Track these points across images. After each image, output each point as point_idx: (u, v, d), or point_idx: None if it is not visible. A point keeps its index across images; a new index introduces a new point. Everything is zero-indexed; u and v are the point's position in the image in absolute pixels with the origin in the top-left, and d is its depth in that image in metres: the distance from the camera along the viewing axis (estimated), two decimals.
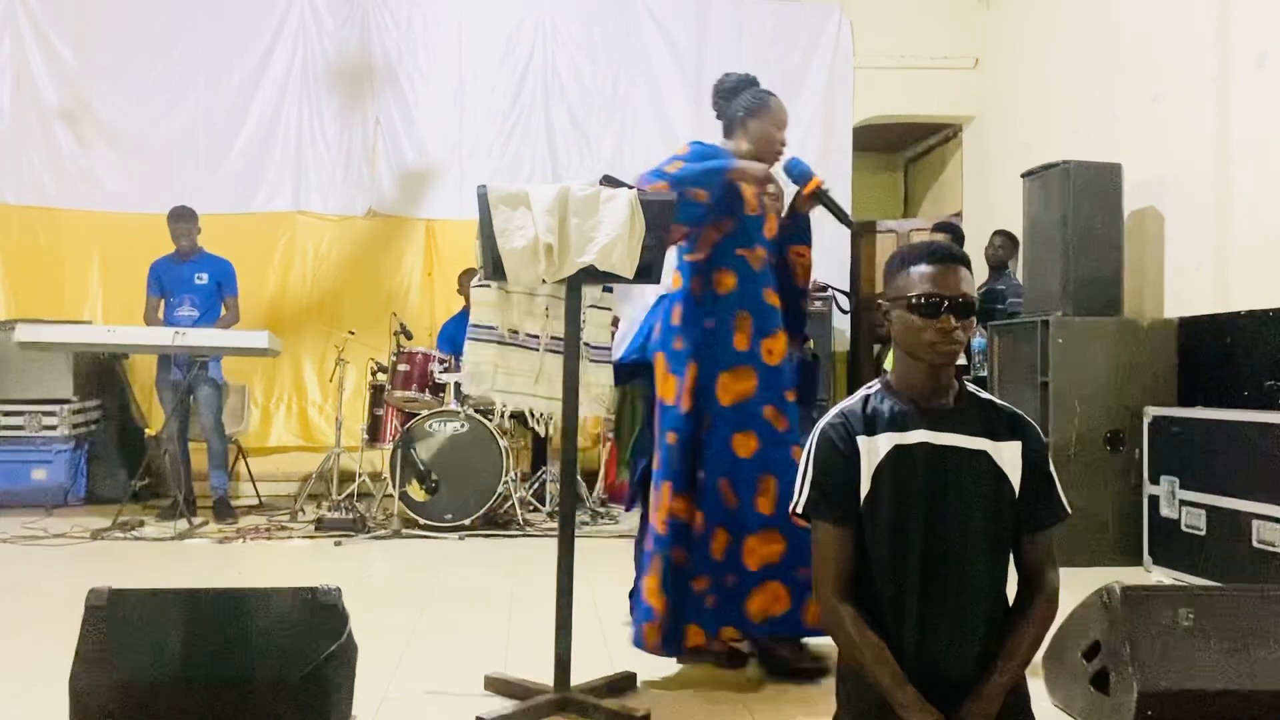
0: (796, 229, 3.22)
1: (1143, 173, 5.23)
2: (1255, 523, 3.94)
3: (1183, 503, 4.36)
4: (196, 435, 5.99)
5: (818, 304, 6.74)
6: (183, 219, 5.99)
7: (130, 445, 6.65)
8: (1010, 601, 2.03)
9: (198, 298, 6.01)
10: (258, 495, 6.48)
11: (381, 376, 5.94)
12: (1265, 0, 4.56)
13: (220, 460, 5.98)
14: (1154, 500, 4.56)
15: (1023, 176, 5.38)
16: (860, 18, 7.49)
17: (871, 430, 1.99)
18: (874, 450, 1.97)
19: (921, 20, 7.55)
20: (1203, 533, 4.23)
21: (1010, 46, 7.11)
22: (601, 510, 6.07)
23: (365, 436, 5.98)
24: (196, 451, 6.03)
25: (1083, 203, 5.03)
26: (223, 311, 6.08)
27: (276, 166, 7.12)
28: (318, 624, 2.32)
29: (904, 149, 9.05)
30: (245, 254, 6.59)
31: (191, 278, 6.03)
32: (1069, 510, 2.04)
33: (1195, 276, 5.00)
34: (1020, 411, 2.07)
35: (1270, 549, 3.85)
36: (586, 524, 5.72)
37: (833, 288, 6.95)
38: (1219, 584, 3.79)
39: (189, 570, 4.57)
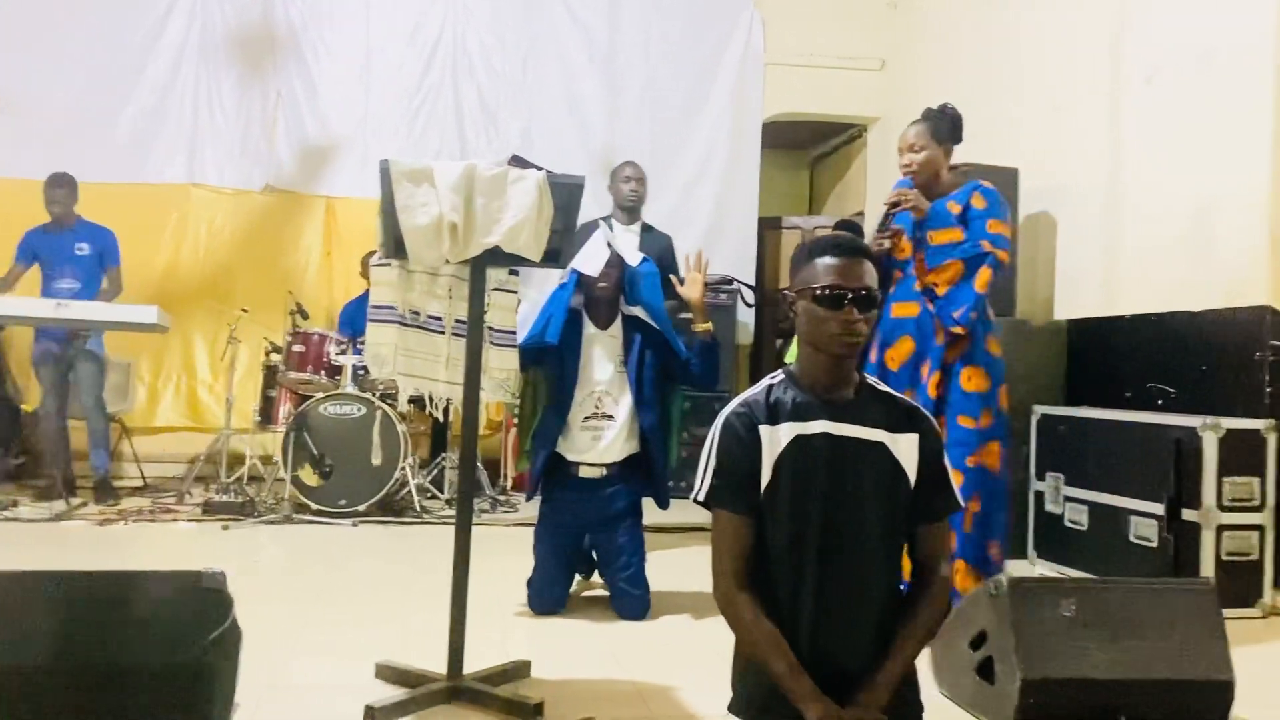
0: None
1: (1038, 179, 5.39)
2: (1132, 519, 4.10)
3: (1067, 499, 4.51)
4: (76, 413, 5.74)
5: (723, 297, 6.79)
6: (59, 185, 5.72)
7: (4, 422, 6.32)
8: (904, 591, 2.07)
9: (79, 269, 5.75)
10: (142, 476, 6.26)
11: (276, 357, 5.77)
12: (1155, 22, 4.74)
13: (101, 439, 5.74)
14: (1040, 496, 4.71)
15: None
16: (771, 14, 7.54)
17: (774, 420, 2.00)
18: (775, 440, 1.99)
19: (831, 20, 7.65)
20: (1084, 527, 4.38)
21: (916, 50, 7.25)
22: (502, 498, 6.01)
23: (257, 418, 5.80)
24: (76, 430, 5.77)
25: None
26: (104, 283, 5.83)
27: (170, 136, 6.84)
28: (200, 609, 2.22)
29: (811, 147, 9.16)
30: (135, 226, 6.33)
31: (71, 248, 5.76)
32: (961, 503, 2.09)
33: (1084, 281, 5.18)
34: (917, 405, 2.11)
35: (1146, 544, 4.02)
36: (486, 512, 5.66)
37: (738, 281, 7.02)
38: (1098, 577, 3.93)
39: (66, 553, 4.38)
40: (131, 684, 2.15)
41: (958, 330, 3.41)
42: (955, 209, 3.48)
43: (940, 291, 3.45)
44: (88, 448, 5.75)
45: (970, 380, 3.43)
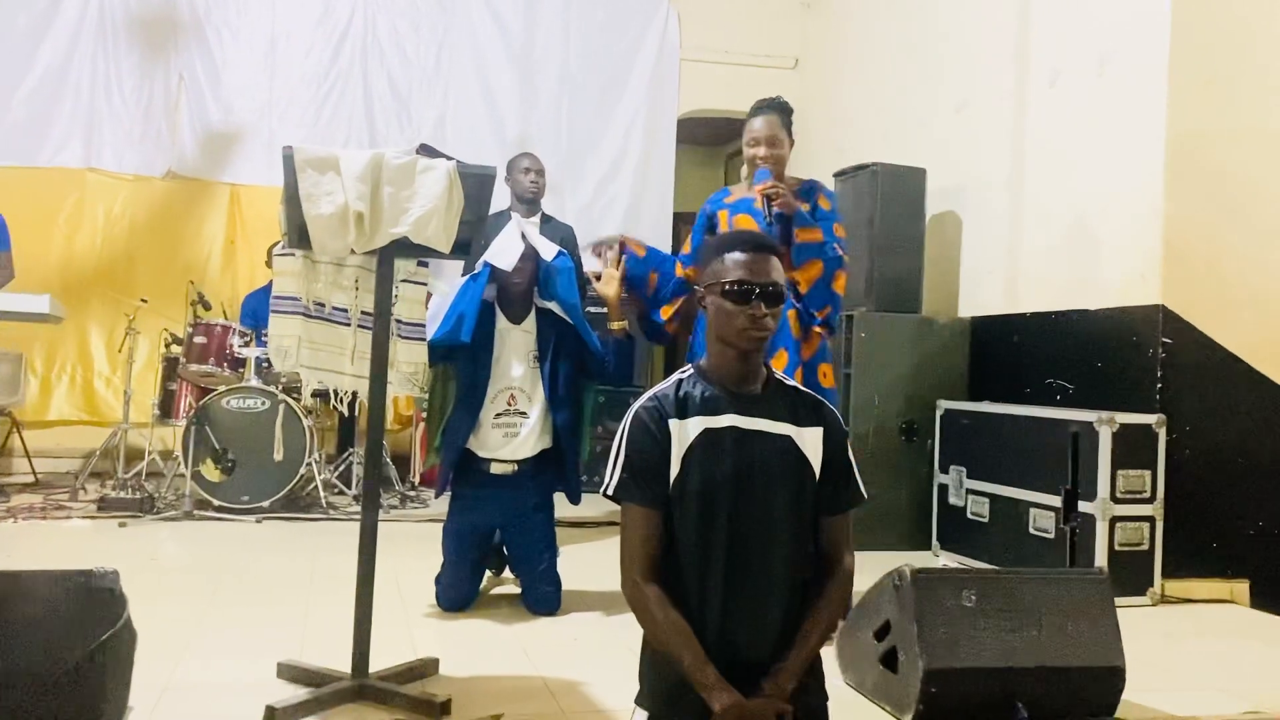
0: None
1: (945, 178, 5.51)
2: (1032, 510, 4.22)
3: (969, 491, 4.62)
4: None
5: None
6: None
7: None
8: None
9: None
10: (33, 472, 6.01)
11: (176, 349, 5.60)
12: (1058, 25, 4.88)
13: None
14: (943, 488, 4.82)
15: (834, 176, 5.56)
16: (687, 11, 7.56)
17: (683, 414, 2.01)
18: (684, 433, 1.99)
19: (746, 17, 7.70)
20: (986, 519, 4.50)
21: (828, 49, 7.35)
22: (411, 494, 5.92)
23: (156, 412, 5.62)
24: None
25: (889, 204, 5.25)
26: None
27: (66, 119, 6.57)
28: (90, 610, 2.14)
29: (725, 144, 9.22)
30: (27, 211, 6.09)
31: None
32: (865, 495, 2.12)
33: (988, 279, 5.31)
34: (823, 399, 2.14)
35: (1044, 535, 4.14)
36: (395, 508, 5.57)
37: None
38: (998, 567, 4.04)
39: None
40: (13, 689, 2.05)
41: (819, 330, 3.45)
42: (805, 206, 3.48)
43: (803, 290, 3.44)
44: None
45: (826, 377, 3.48)
